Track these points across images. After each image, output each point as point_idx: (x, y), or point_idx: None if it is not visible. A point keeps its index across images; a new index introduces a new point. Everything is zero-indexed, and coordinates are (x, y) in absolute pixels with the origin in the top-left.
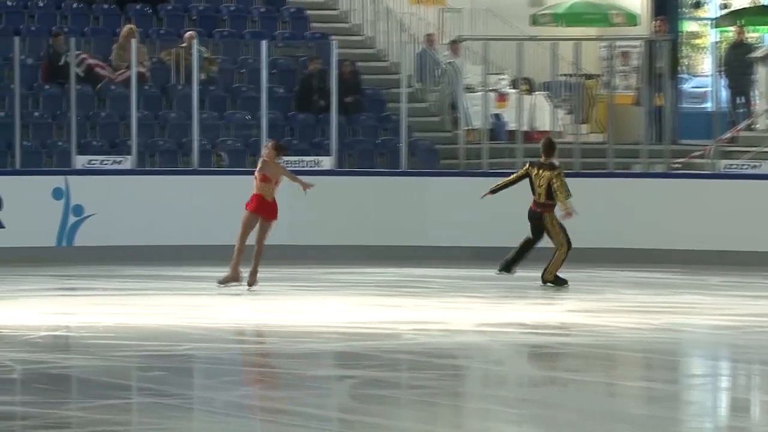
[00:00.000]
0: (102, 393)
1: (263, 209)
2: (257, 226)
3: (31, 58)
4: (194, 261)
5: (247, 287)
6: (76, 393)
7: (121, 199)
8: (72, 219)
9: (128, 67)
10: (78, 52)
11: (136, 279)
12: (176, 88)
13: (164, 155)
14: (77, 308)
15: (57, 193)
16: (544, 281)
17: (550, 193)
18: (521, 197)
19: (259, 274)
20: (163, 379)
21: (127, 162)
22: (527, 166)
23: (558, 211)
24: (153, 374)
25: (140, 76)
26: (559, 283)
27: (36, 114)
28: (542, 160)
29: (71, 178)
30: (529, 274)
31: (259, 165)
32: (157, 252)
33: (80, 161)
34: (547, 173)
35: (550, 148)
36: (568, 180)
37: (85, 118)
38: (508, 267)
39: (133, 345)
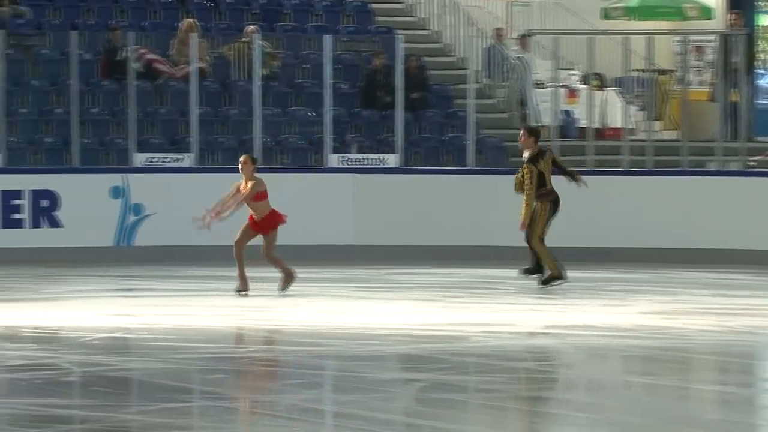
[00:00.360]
0: (161, 396)
1: (260, 227)
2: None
3: (89, 54)
4: (256, 261)
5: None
6: (136, 396)
7: (181, 198)
8: (131, 218)
9: (188, 63)
10: (136, 47)
11: (196, 280)
12: (237, 83)
13: (225, 153)
14: (136, 310)
15: (115, 192)
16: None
17: (540, 183)
18: (594, 197)
19: (321, 274)
20: (224, 382)
21: (188, 159)
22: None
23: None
24: (214, 377)
25: (201, 72)
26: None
27: (94, 110)
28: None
29: (130, 176)
30: (597, 275)
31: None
32: (218, 252)
33: (139, 159)
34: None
35: (528, 135)
36: (640, 179)
37: (144, 115)
38: (535, 270)
39: (194, 347)
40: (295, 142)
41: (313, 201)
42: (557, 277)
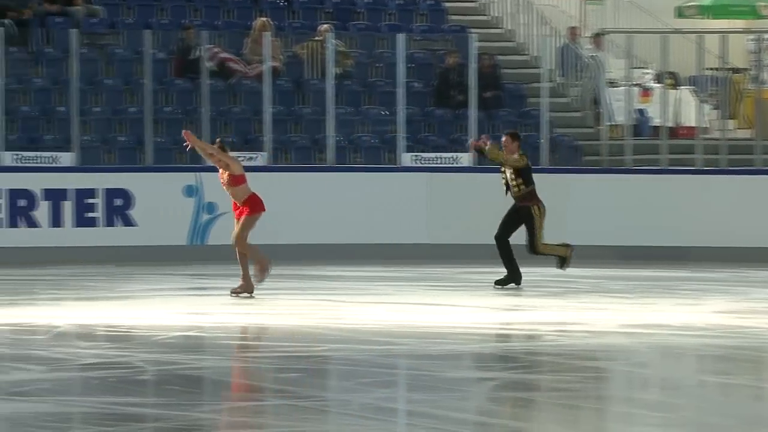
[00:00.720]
0: (235, 395)
1: (240, 212)
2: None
3: (162, 53)
4: (329, 260)
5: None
6: (209, 394)
7: None
8: (204, 217)
9: (261, 62)
10: (210, 45)
11: (270, 278)
12: (310, 82)
13: (298, 152)
14: (210, 308)
15: (189, 191)
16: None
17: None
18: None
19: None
20: (298, 381)
21: (261, 158)
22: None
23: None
24: (287, 376)
25: (274, 71)
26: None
27: (167, 109)
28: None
29: (204, 175)
30: (672, 274)
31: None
32: (292, 251)
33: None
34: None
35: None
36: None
37: (218, 114)
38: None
39: (267, 346)
40: (369, 141)
41: (386, 200)
42: (569, 257)
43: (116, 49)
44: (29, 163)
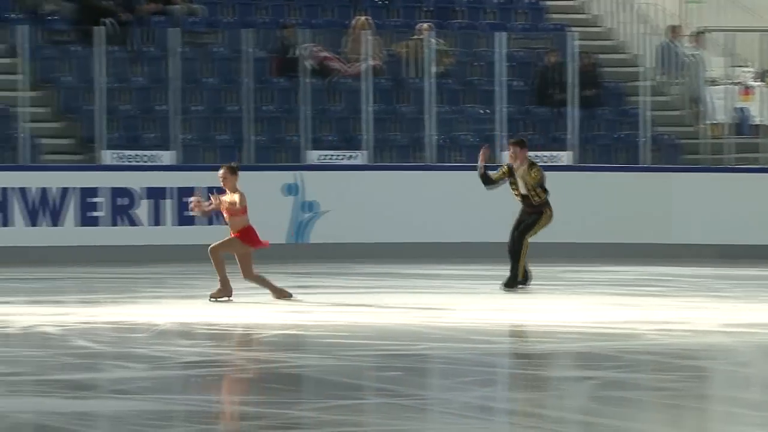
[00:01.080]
0: (336, 393)
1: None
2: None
3: (262, 51)
4: (428, 258)
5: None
6: (310, 393)
7: (355, 195)
8: (304, 215)
9: (361, 60)
10: (309, 44)
11: (370, 277)
12: (410, 81)
13: (398, 150)
14: (310, 307)
15: (289, 189)
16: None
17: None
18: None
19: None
20: (399, 380)
21: (361, 157)
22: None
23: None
24: (388, 374)
25: (373, 69)
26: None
27: (267, 108)
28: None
29: (304, 174)
30: None
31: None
32: (392, 249)
33: (312, 156)
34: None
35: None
36: None
37: (318, 112)
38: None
39: (368, 344)
40: (468, 140)
41: (485, 198)
42: (524, 280)
43: (216, 47)
44: (130, 161)
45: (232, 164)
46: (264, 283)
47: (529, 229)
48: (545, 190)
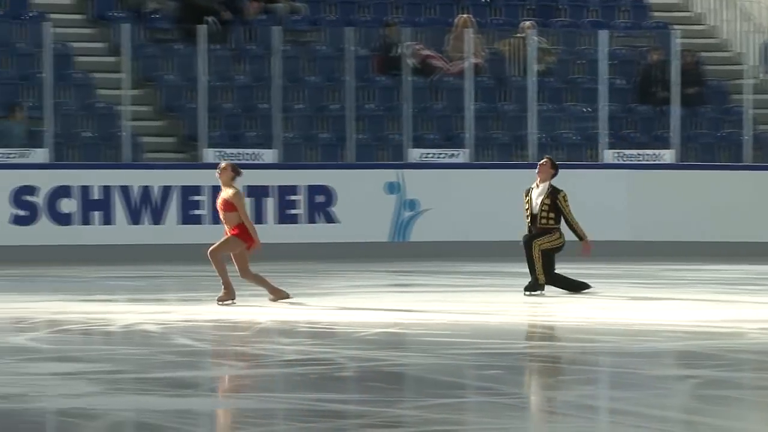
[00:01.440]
0: (436, 391)
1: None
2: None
3: (364, 50)
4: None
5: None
6: (410, 391)
7: (456, 194)
8: (406, 214)
9: (463, 58)
10: (412, 42)
11: (472, 275)
12: (512, 79)
13: (500, 148)
14: (411, 305)
15: (391, 188)
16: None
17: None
18: None
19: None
20: (500, 378)
21: (463, 155)
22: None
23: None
24: (489, 373)
25: (476, 67)
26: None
27: (369, 106)
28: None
29: (406, 172)
30: None
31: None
32: (493, 248)
33: (414, 155)
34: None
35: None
36: None
37: (419, 111)
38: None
39: (469, 342)
40: (570, 138)
41: (588, 196)
42: (539, 287)
43: (318, 46)
44: (232, 159)
45: (233, 164)
46: (261, 282)
47: (540, 237)
48: (557, 221)
